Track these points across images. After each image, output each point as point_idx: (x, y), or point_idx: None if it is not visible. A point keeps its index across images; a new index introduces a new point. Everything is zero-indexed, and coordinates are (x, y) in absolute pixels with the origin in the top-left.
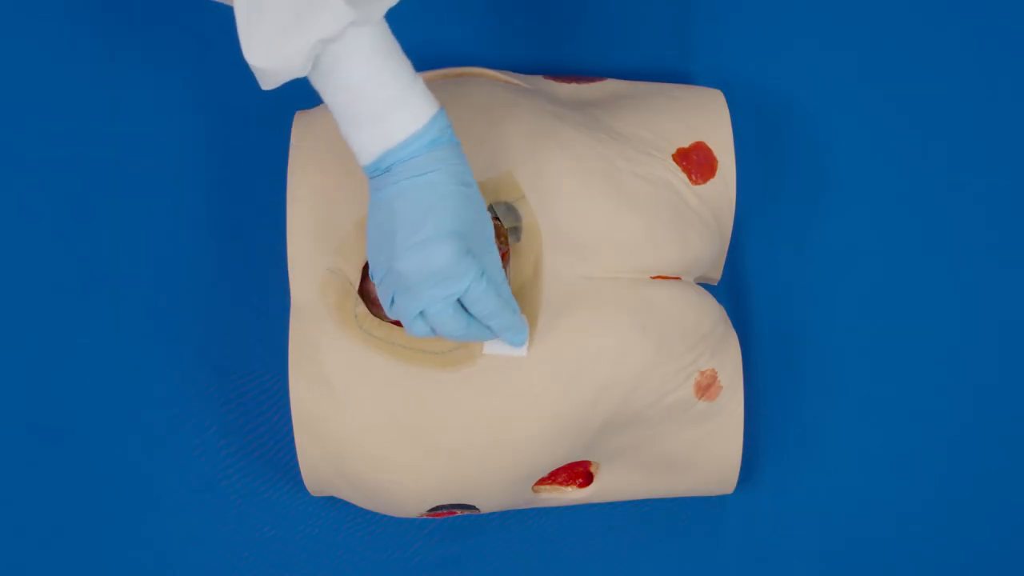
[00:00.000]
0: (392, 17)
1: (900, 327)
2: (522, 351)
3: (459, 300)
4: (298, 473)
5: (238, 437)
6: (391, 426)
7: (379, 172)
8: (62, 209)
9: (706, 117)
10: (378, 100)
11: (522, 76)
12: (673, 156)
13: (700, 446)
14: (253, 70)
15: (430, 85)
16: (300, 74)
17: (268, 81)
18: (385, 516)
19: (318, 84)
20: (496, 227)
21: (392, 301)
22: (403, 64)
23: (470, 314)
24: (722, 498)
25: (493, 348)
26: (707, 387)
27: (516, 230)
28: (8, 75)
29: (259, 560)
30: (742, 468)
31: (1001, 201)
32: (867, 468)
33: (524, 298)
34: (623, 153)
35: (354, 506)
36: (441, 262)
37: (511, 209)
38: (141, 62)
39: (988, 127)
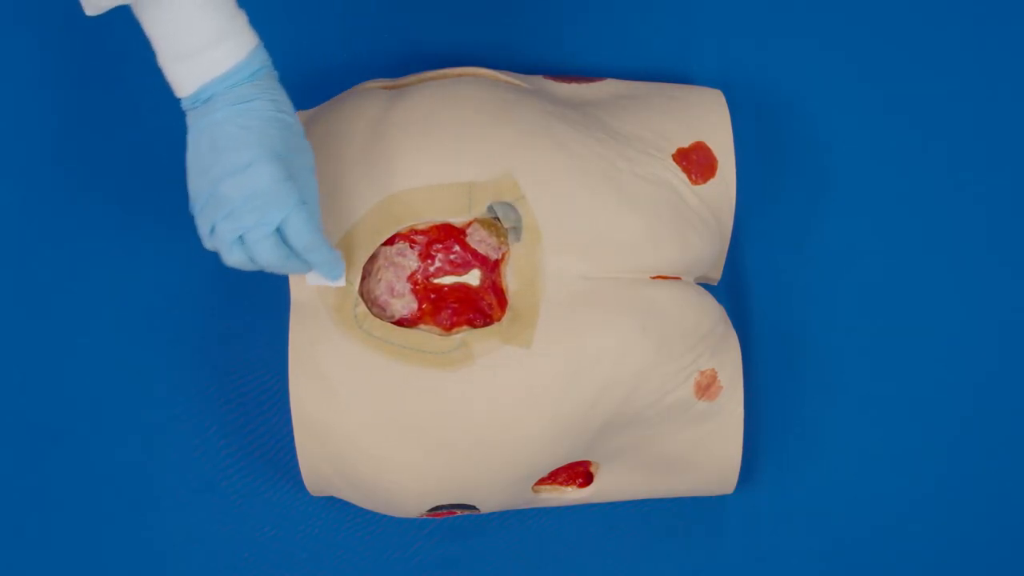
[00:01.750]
0: (393, 18)
1: (900, 327)
2: (340, 282)
3: (279, 231)
4: (298, 473)
5: (238, 437)
6: (391, 426)
7: (198, 103)
8: (62, 209)
9: (706, 117)
10: (203, 31)
11: (522, 76)
12: (673, 156)
13: (700, 446)
14: None
15: (430, 85)
16: None
17: (91, 3)
18: (385, 516)
19: (142, 13)
20: (496, 227)
21: (212, 229)
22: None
23: (288, 247)
24: (722, 498)
25: (314, 279)
26: (707, 387)
27: (516, 230)
28: (8, 75)
29: (259, 560)
30: (742, 468)
31: (1001, 201)
32: (867, 468)
33: (524, 298)
34: (623, 153)
35: (354, 506)
36: (264, 184)
37: (511, 209)
38: (141, 62)
39: (988, 127)
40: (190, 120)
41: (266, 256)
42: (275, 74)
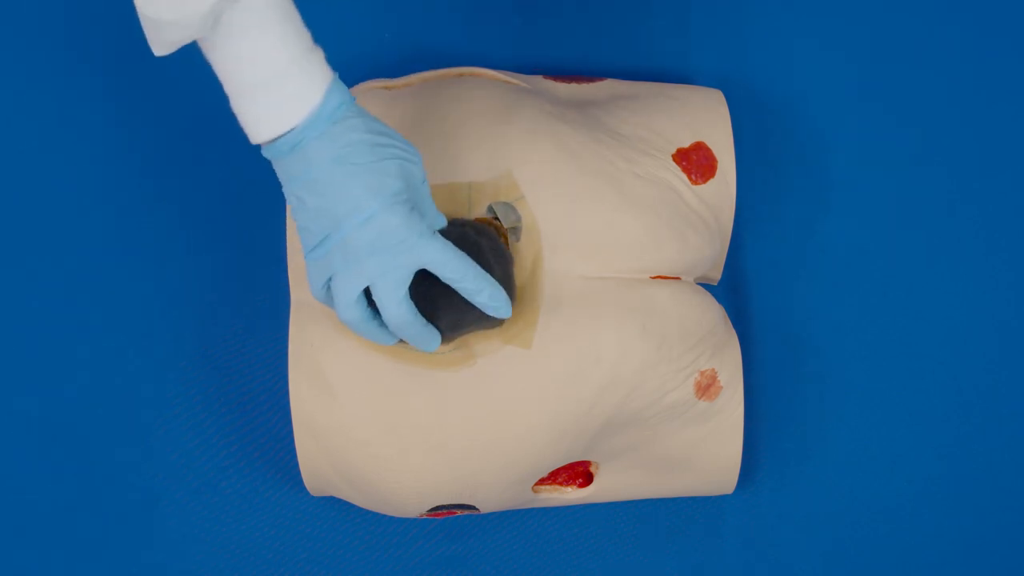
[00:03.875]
0: (393, 17)
1: (900, 327)
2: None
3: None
4: (298, 473)
5: (238, 437)
6: (390, 426)
7: (284, 153)
8: (62, 209)
9: (706, 117)
10: (277, 67)
11: (522, 76)
12: (673, 156)
13: (700, 446)
14: (146, 27)
15: (430, 85)
16: (198, 33)
17: (160, 41)
18: (385, 516)
19: (213, 52)
20: (496, 227)
21: (327, 282)
22: (301, 32)
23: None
24: (722, 498)
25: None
26: (707, 387)
27: (516, 230)
28: (9, 75)
29: (259, 560)
30: (742, 468)
31: (1001, 201)
32: (866, 468)
33: (524, 298)
34: (623, 153)
35: (354, 506)
36: (389, 230)
37: (511, 209)
38: (141, 62)
39: (988, 127)
40: (279, 168)
41: (395, 309)
42: (356, 107)
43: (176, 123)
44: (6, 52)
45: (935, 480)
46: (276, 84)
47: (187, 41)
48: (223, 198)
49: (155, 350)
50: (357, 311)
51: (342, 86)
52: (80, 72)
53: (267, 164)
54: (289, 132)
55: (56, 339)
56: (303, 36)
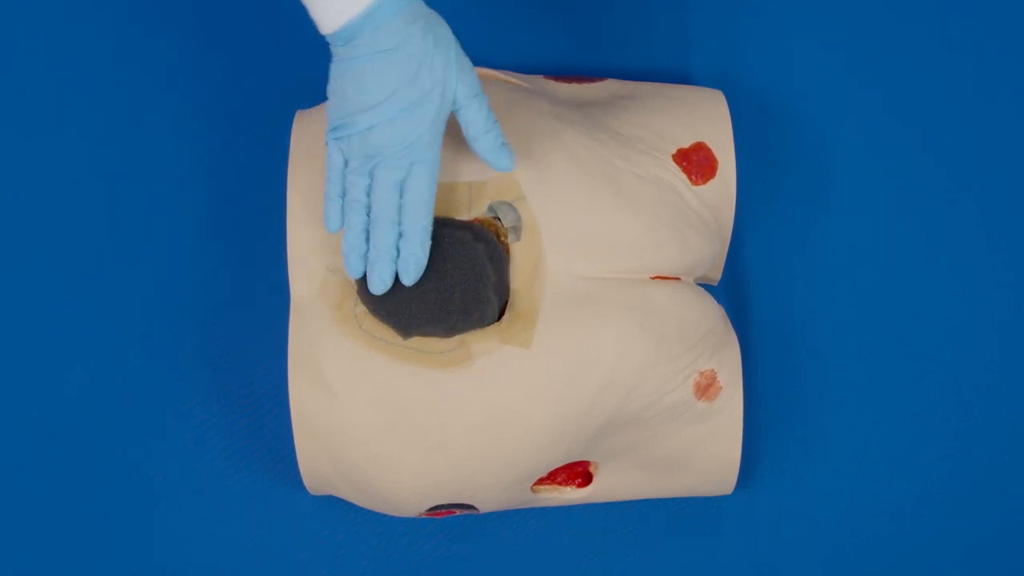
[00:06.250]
0: None
1: (900, 327)
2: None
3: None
4: (298, 473)
5: (238, 437)
6: (390, 425)
7: (341, 42)
8: (62, 209)
9: (706, 117)
10: None
11: (522, 76)
12: (673, 156)
13: (699, 446)
14: None
15: None
16: None
17: None
18: (385, 516)
19: None
20: (496, 227)
21: (346, 163)
22: None
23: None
24: (722, 498)
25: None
26: (706, 387)
27: (516, 230)
28: (9, 75)
29: (259, 560)
30: (741, 468)
31: (1001, 201)
32: (866, 468)
33: (523, 298)
34: (623, 153)
35: (354, 506)
36: (408, 137)
37: (511, 209)
38: (141, 62)
39: (988, 127)
40: (334, 56)
41: (427, 197)
42: (419, 5)
43: (176, 122)
44: (5, 51)
45: (935, 480)
46: None
47: None
48: (223, 198)
49: (155, 350)
50: (391, 196)
51: None
52: (80, 71)
53: (266, 163)
54: (345, 26)
55: (56, 339)
56: None
